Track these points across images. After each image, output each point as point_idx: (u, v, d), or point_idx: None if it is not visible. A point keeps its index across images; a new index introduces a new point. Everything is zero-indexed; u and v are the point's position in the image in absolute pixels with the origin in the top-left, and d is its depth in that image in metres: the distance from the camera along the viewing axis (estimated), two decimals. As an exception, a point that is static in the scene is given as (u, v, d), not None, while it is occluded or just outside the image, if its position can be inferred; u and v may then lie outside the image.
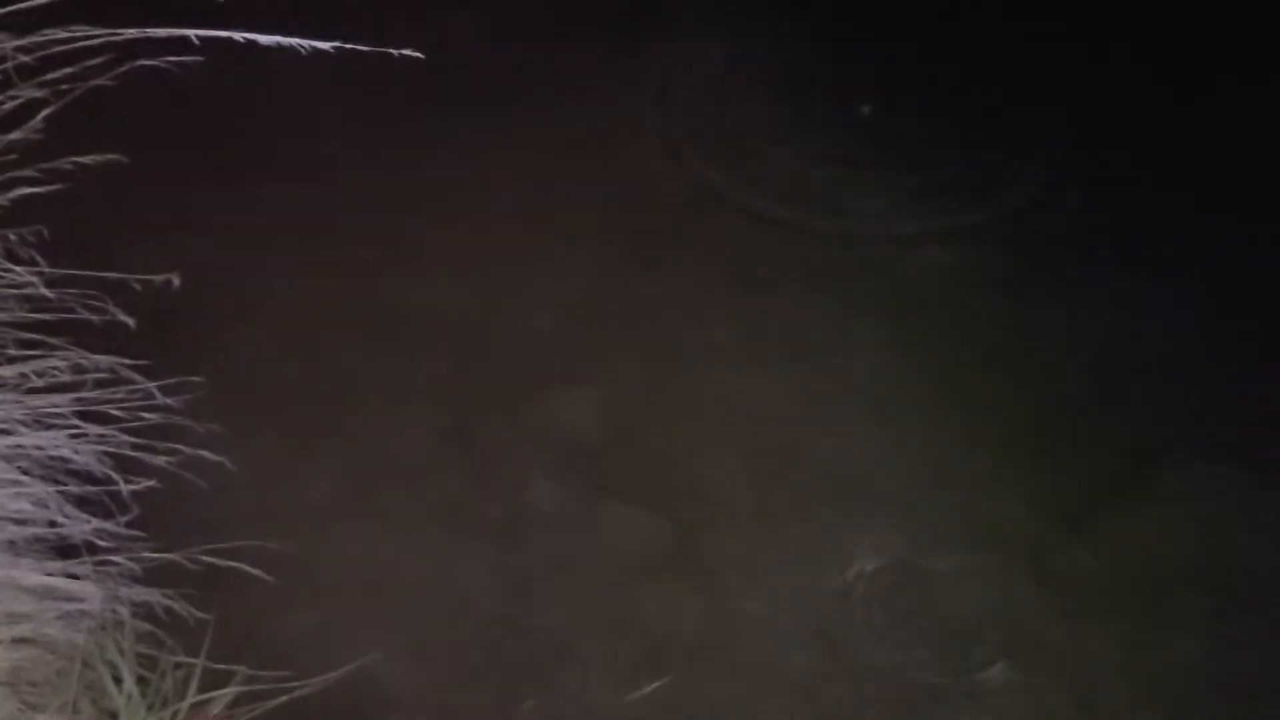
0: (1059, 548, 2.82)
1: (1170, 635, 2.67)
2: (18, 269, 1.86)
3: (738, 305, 3.37)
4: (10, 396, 1.89)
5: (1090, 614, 2.72)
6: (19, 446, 1.90)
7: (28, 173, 1.86)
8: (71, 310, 1.92)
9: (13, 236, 1.85)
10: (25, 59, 1.75)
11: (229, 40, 1.71)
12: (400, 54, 1.78)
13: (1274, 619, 2.67)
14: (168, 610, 2.05)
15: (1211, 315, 3.29)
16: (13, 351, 1.89)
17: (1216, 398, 3.12)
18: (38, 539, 1.93)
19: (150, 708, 1.75)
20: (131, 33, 1.77)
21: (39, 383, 1.89)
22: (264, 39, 1.72)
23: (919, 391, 3.16)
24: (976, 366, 3.23)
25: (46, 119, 1.82)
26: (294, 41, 1.73)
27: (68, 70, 1.80)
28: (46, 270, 1.89)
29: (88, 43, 1.78)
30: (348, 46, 1.77)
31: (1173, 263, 3.44)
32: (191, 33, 1.73)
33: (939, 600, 2.74)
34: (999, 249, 3.54)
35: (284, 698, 2.00)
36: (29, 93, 1.82)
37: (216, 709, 1.88)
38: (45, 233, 1.89)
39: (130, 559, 2.01)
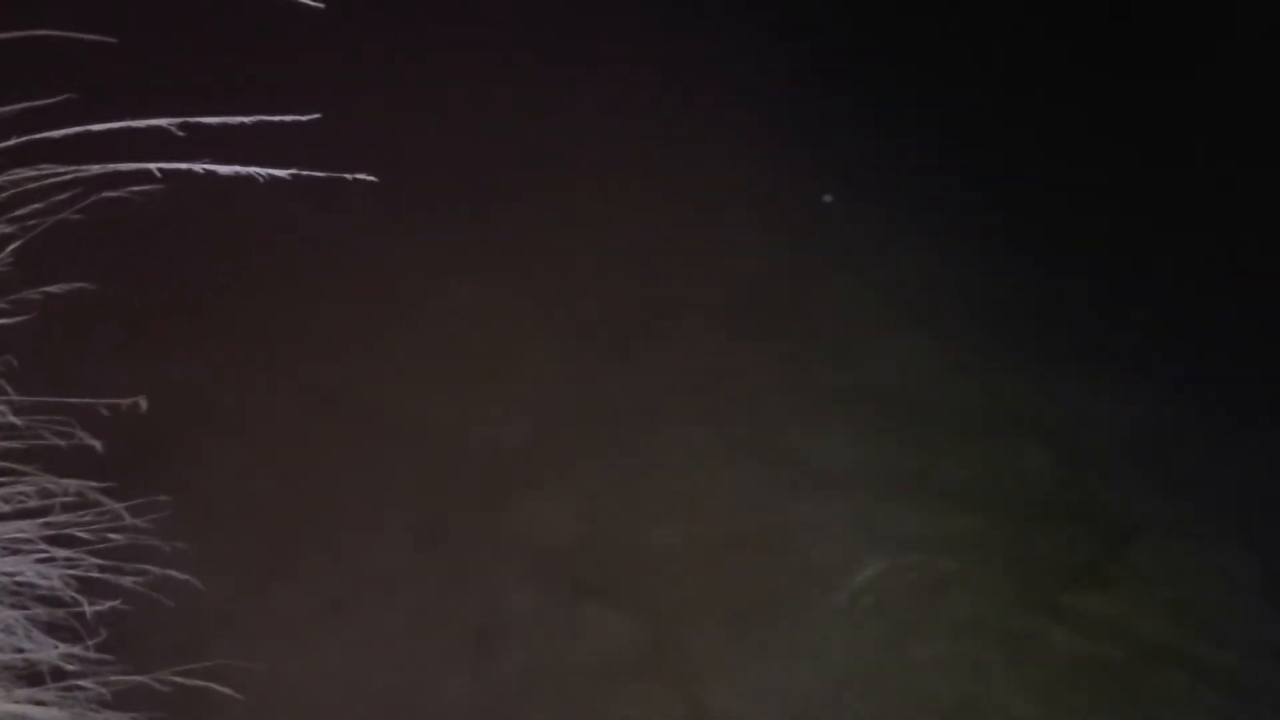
0: (1034, 632, 2.82)
1: (1153, 716, 2.65)
2: (-13, 399, 1.91)
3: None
4: (-22, 525, 1.91)
5: (1071, 697, 2.70)
6: (-13, 574, 1.91)
7: (-3, 305, 1.92)
8: (40, 436, 1.96)
9: (-19, 368, 1.91)
10: (-6, 199, 1.83)
11: (189, 171, 1.78)
12: (354, 178, 1.86)
13: (1254, 692, 2.66)
14: (138, 735, 2.04)
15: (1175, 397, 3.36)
16: (-19, 480, 1.93)
17: (1184, 476, 3.16)
18: (4, 666, 1.93)
19: (118, 835, 1.73)
20: (95, 169, 1.85)
21: (6, 509, 1.92)
22: (223, 169, 1.79)
23: (888, 483, 3.19)
24: (942, 456, 3.27)
25: (14, 253, 1.88)
26: (252, 170, 1.80)
27: (35, 206, 1.88)
28: (15, 398, 1.94)
29: (54, 180, 1.86)
30: (305, 173, 1.85)
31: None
32: (153, 166, 1.81)
33: (920, 691, 2.73)
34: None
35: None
36: (-2, 230, 1.89)
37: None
38: (14, 362, 1.94)
39: (99, 683, 2.00)
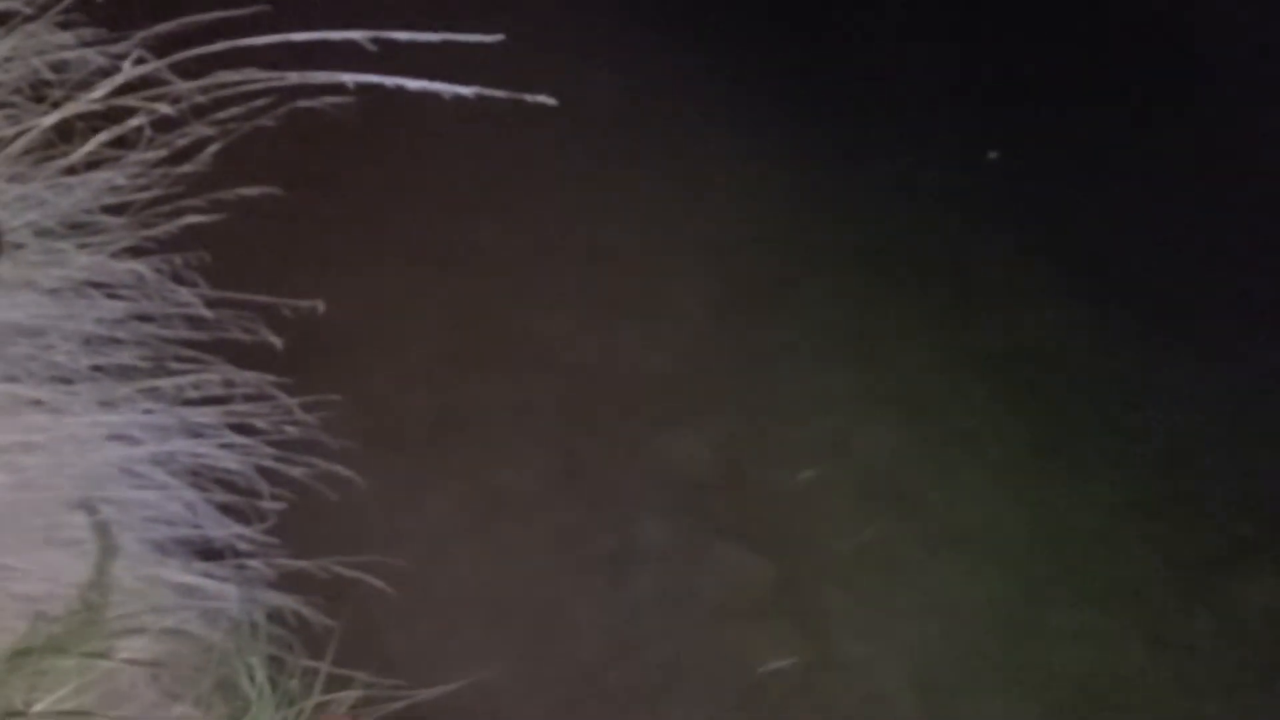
0: (1178, 610, 2.75)
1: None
2: (181, 290, 2.04)
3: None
4: (166, 407, 2.05)
5: (1210, 680, 2.63)
6: (171, 454, 2.06)
7: (195, 202, 2.04)
8: (226, 330, 2.09)
9: (178, 260, 2.03)
10: (200, 99, 1.93)
11: (380, 84, 1.85)
12: (534, 100, 1.90)
13: None
14: (296, 615, 2.16)
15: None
16: (172, 365, 2.06)
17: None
18: (184, 541, 2.08)
19: (277, 706, 1.86)
20: (293, 77, 1.94)
21: (193, 395, 2.05)
22: (411, 83, 1.86)
23: (1034, 447, 3.14)
24: (1093, 423, 3.19)
25: (214, 154, 1.99)
26: (438, 86, 1.87)
27: (235, 110, 1.98)
28: (206, 293, 2.06)
29: (254, 86, 1.96)
30: (487, 92, 1.90)
31: None
32: (347, 77, 1.89)
33: (1051, 658, 2.70)
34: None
35: (399, 704, 2.09)
36: (200, 130, 2.00)
37: (338, 711, 1.98)
38: (207, 258, 2.06)
39: (266, 564, 2.14)
